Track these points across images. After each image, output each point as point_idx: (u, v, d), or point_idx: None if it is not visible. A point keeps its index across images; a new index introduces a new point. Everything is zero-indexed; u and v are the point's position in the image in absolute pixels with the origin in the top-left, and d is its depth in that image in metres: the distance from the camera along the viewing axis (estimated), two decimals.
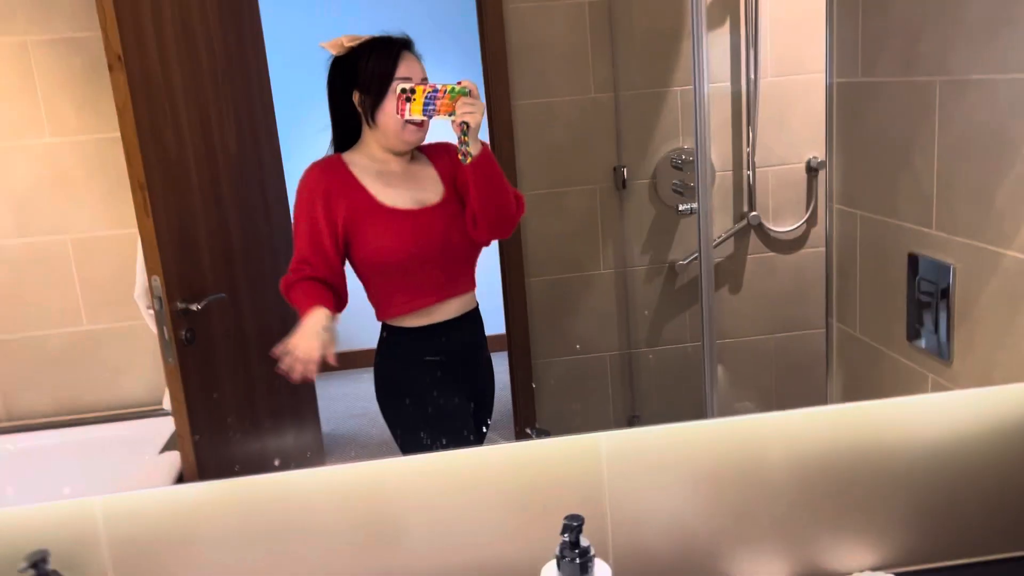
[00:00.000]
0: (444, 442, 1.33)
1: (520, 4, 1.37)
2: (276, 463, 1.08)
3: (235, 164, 1.39)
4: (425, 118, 1.27)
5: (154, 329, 1.25)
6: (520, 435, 1.48)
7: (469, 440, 1.40)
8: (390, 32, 1.29)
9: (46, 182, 1.36)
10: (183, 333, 1.23)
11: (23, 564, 0.99)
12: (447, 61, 1.37)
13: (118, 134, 1.16)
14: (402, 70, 1.27)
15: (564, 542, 0.98)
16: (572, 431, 1.12)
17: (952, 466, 1.17)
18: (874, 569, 1.18)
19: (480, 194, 1.31)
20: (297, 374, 1.27)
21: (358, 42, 1.28)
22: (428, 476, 1.11)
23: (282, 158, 1.40)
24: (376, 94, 1.28)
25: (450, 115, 1.26)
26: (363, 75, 1.28)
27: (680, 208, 1.47)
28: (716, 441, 1.14)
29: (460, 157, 1.27)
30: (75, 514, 1.08)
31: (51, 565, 1.04)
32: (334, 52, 1.28)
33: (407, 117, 1.26)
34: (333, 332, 1.28)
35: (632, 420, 1.55)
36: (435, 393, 1.37)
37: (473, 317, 1.40)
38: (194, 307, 1.25)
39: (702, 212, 1.38)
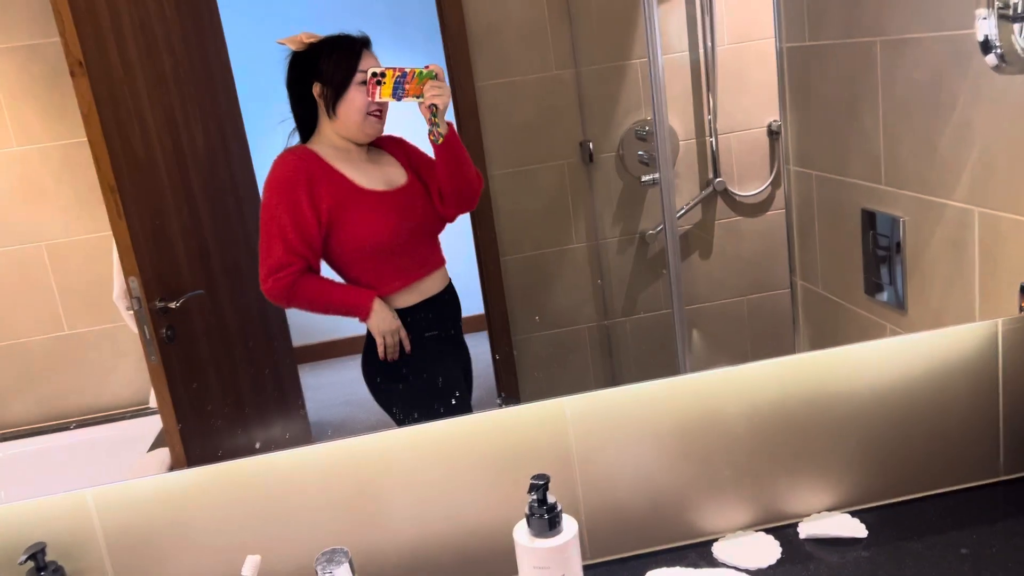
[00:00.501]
0: (447, 409, 1.38)
1: None
2: (257, 445, 1.10)
3: (204, 161, 1.40)
4: (394, 100, 1.29)
5: (135, 329, 1.27)
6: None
7: (467, 404, 1.44)
8: (349, 32, 1.31)
9: (16, 191, 1.36)
10: (164, 331, 1.24)
11: (23, 557, 1.03)
12: (409, 46, 1.38)
13: (84, 139, 1.16)
14: (363, 65, 1.30)
15: (532, 500, 1.02)
16: None
17: (900, 407, 1.22)
18: (830, 509, 1.23)
19: (448, 171, 1.35)
20: (394, 350, 1.36)
21: (317, 39, 1.30)
22: (405, 449, 1.15)
23: (250, 152, 1.41)
24: (338, 86, 1.30)
25: (418, 98, 1.29)
26: (325, 69, 1.30)
27: (644, 179, 1.49)
28: (677, 398, 1.18)
29: (431, 138, 1.31)
30: (69, 507, 1.11)
31: (49, 556, 1.07)
32: (293, 48, 1.30)
33: (377, 99, 1.29)
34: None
35: None
36: (434, 368, 1.41)
37: (452, 292, 1.44)
38: (172, 305, 1.26)
39: (664, 181, 1.41)
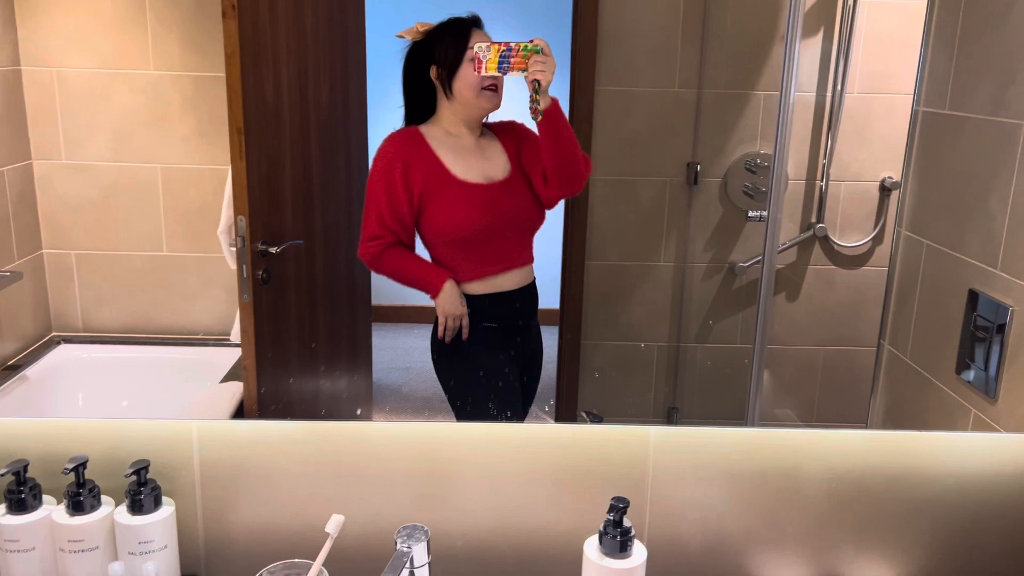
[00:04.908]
0: (493, 402, 1.42)
1: None
2: (358, 412, 1.14)
3: (325, 118, 1.44)
4: (500, 74, 1.31)
5: (233, 265, 1.32)
6: (561, 411, 1.53)
7: (517, 404, 1.46)
8: (460, 14, 1.34)
9: (144, 112, 1.43)
10: (260, 273, 1.29)
11: (129, 470, 1.09)
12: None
13: (217, 73, 1.21)
14: (473, 42, 1.33)
15: (608, 520, 1.03)
16: (612, 413, 1.16)
17: (980, 500, 1.19)
18: None
19: (551, 149, 1.36)
20: (452, 332, 1.41)
21: (431, 27, 1.34)
22: (489, 442, 1.18)
23: (367, 117, 1.45)
24: (451, 65, 1.34)
25: (523, 71, 1.30)
26: (439, 51, 1.34)
27: (750, 213, 1.48)
28: (758, 448, 1.18)
29: (532, 114, 1.32)
30: (174, 433, 1.18)
31: (149, 475, 1.15)
32: (411, 38, 1.35)
33: (483, 73, 1.31)
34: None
35: (670, 411, 1.57)
36: (489, 356, 1.44)
37: (530, 291, 1.45)
38: (273, 250, 1.31)
39: (771, 219, 1.39)
